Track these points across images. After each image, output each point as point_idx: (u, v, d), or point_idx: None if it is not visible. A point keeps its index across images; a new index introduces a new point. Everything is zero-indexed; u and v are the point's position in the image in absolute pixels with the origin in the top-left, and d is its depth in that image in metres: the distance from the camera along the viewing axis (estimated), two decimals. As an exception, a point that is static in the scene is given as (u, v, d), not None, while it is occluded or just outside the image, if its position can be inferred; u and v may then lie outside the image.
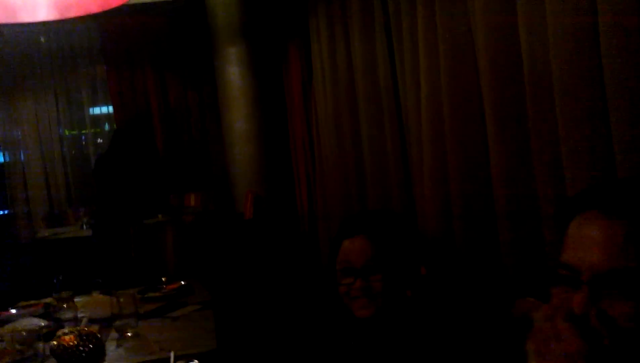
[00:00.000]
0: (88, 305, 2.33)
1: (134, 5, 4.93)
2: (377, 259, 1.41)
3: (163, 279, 2.63)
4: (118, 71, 5.43)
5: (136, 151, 3.61)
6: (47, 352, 1.83)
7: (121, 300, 2.07)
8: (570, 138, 1.50)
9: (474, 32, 2.03)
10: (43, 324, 2.07)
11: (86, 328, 1.95)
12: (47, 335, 1.95)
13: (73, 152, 5.73)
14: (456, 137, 2.19)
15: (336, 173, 3.74)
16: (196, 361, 1.68)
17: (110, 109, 5.60)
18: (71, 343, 1.82)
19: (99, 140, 5.79)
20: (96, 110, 5.77)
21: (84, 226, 4.54)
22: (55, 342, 1.84)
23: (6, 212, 5.40)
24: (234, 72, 5.02)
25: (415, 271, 1.46)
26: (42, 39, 5.33)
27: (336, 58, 3.57)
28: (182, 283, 2.58)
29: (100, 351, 1.87)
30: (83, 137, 5.80)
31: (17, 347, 1.83)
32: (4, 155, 5.38)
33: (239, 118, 5.05)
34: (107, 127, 5.81)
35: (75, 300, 2.31)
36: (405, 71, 2.66)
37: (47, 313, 2.30)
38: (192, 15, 5.27)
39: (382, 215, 1.62)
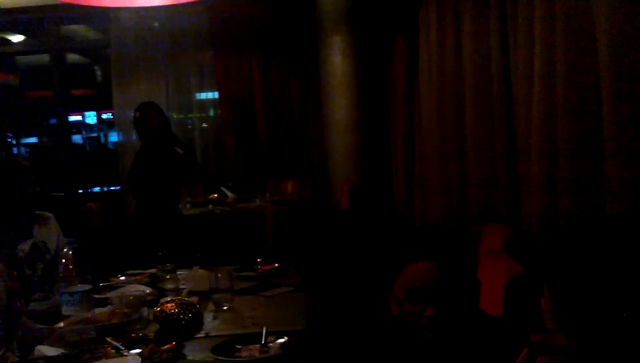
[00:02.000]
0: (189, 278, 2.44)
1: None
2: (445, 285, 1.29)
3: (258, 260, 2.69)
4: (225, 56, 5.60)
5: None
6: (151, 317, 1.92)
7: (219, 275, 2.14)
8: None
9: (595, 25, 1.89)
10: (148, 291, 2.18)
11: (186, 299, 2.03)
12: (152, 302, 2.04)
13: (180, 135, 5.98)
14: (569, 137, 2.07)
15: (437, 168, 3.65)
16: (286, 338, 1.71)
17: (216, 94, 5.80)
18: (172, 311, 1.90)
19: (204, 125, 6.02)
20: (202, 95, 6.00)
21: (187, 206, 4.74)
22: (158, 309, 1.93)
23: (118, 188, 5.76)
24: (338, 62, 5.01)
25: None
26: (156, 24, 5.59)
27: (445, 49, 3.48)
28: (276, 265, 2.63)
29: (198, 320, 1.94)
30: (190, 121, 6.05)
31: (125, 310, 1.94)
32: (118, 135, 5.73)
33: (340, 108, 5.04)
34: (211, 112, 6.02)
35: (178, 272, 2.42)
36: (519, 63, 2.55)
37: (152, 282, 2.42)
38: (299, 2, 5.33)
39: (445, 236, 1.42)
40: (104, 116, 7.93)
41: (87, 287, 1.92)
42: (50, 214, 2.52)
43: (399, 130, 4.76)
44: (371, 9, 4.89)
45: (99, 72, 7.46)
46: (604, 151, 1.86)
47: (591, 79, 1.93)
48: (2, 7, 5.34)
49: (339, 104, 5.03)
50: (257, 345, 1.70)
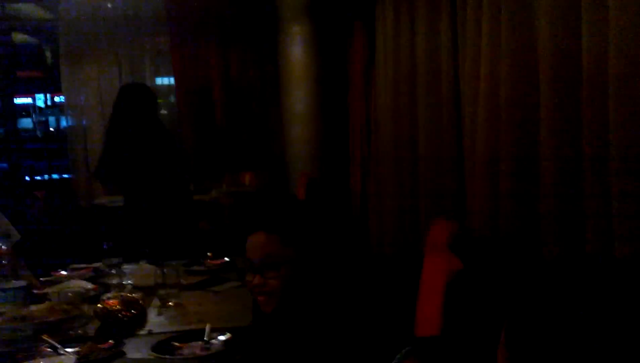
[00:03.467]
0: (135, 273, 2.38)
1: (201, -23, 4.94)
2: (274, 255, 1.36)
3: (209, 254, 2.64)
4: (182, 42, 5.48)
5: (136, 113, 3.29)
6: (91, 314, 1.87)
7: (166, 270, 2.09)
8: (622, 138, 1.46)
9: (537, 26, 1.97)
10: (90, 287, 2.12)
11: (130, 295, 1.97)
12: (93, 297, 1.99)
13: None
14: (511, 130, 2.15)
15: (391, 157, 3.69)
16: (229, 334, 1.69)
17: (172, 80, 5.67)
18: (114, 307, 1.86)
19: (162, 111, 5.88)
20: (158, 80, 5.85)
21: (141, 195, 4.62)
22: (99, 305, 1.88)
23: (68, 176, 5.57)
24: (297, 51, 4.96)
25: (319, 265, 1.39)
26: (109, 5, 5.40)
27: (400, 42, 3.51)
28: (226, 259, 2.59)
29: (142, 317, 1.90)
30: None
31: (64, 306, 1.87)
32: (66, 120, 5.53)
33: (299, 98, 5.01)
34: (172, 98, 5.88)
35: (123, 267, 2.36)
36: (467, 60, 2.61)
37: (95, 277, 2.36)
38: (258, -10, 5.25)
39: (284, 207, 1.52)
40: (57, 100, 7.67)
41: (22, 283, 1.84)
42: None
43: (356, 121, 4.76)
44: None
45: (48, 54, 7.19)
46: (539, 154, 1.93)
47: (532, 80, 1.99)
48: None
49: (298, 94, 5.00)
50: (200, 342, 1.67)
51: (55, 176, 6.07)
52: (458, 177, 2.81)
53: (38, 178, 6.05)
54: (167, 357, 1.60)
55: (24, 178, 5.66)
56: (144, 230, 3.13)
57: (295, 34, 4.94)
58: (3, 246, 1.84)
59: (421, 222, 3.18)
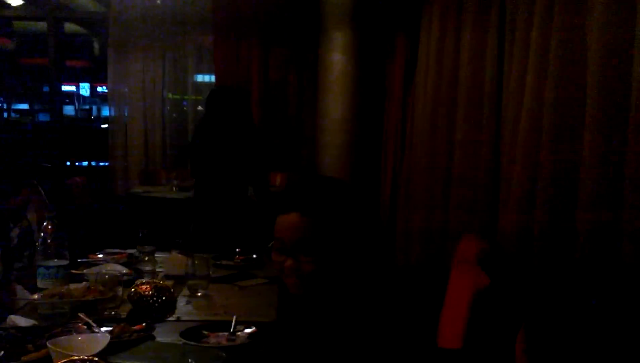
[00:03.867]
0: (167, 262, 2.45)
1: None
2: (310, 239, 1.27)
3: (237, 249, 2.70)
4: (224, 41, 5.58)
5: (233, 114, 3.47)
6: (125, 297, 1.94)
7: (196, 262, 2.16)
8: None
9: (588, 45, 1.94)
10: (124, 271, 2.19)
11: (161, 282, 2.04)
12: (127, 282, 2.06)
13: (174, 115, 5.97)
14: (552, 153, 2.12)
15: (424, 169, 3.70)
16: (254, 328, 1.74)
17: (213, 78, 5.78)
18: (146, 293, 1.92)
19: (199, 107, 6.00)
20: (199, 77, 5.98)
21: (174, 188, 4.74)
22: (133, 289, 1.95)
23: (106, 164, 5.74)
24: (337, 58, 4.99)
25: (357, 254, 1.31)
26: (159, 1, 5.55)
27: (443, 54, 3.51)
28: (254, 256, 2.65)
29: (172, 304, 1.96)
30: (185, 102, 6.02)
31: (100, 288, 1.95)
32: (109, 109, 5.69)
33: (335, 104, 5.04)
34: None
35: (156, 255, 2.43)
36: (512, 76, 2.59)
37: (129, 262, 2.43)
38: (304, -7, 5.31)
39: (326, 189, 1.36)
40: (99, 90, 7.89)
41: (63, 262, 1.93)
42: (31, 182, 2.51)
43: (391, 131, 4.78)
44: (374, 7, 4.89)
45: (96, 45, 7.40)
46: (579, 178, 1.91)
47: (577, 104, 1.97)
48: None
49: (335, 101, 5.03)
50: (225, 333, 1.72)
51: (94, 163, 6.25)
52: (492, 195, 2.79)
53: (77, 163, 6.22)
54: (194, 343, 1.66)
55: (65, 163, 5.85)
56: (215, 221, 3.29)
57: (336, 41, 4.98)
58: (49, 225, 1.93)
59: (449, 237, 3.17)
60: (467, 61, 3.16)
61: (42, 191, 2.54)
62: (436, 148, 3.52)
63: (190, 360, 1.54)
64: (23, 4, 6.01)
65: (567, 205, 2.00)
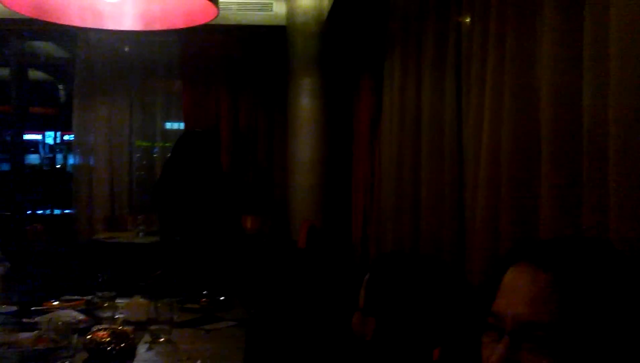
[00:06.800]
0: (128, 307, 2.35)
1: (215, 26, 5.06)
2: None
3: (204, 292, 2.61)
4: (193, 88, 5.59)
5: (201, 156, 3.43)
6: (80, 345, 1.83)
7: (159, 305, 2.07)
8: (622, 205, 1.45)
9: (539, 86, 2.03)
10: (81, 318, 2.09)
11: (120, 328, 1.94)
12: (83, 329, 1.96)
13: (144, 162, 5.89)
14: (511, 187, 2.16)
15: (393, 207, 3.70)
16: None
17: (182, 125, 5.75)
18: (104, 340, 1.83)
19: (169, 154, 5.93)
20: (168, 125, 5.94)
21: (140, 234, 4.63)
22: (88, 337, 1.85)
23: (70, 211, 5.59)
24: (306, 103, 5.07)
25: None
26: (126, 48, 5.55)
27: (405, 97, 3.57)
28: (222, 298, 2.56)
29: (131, 351, 1.87)
30: (156, 149, 5.96)
31: (52, 336, 1.84)
32: (74, 158, 5.57)
33: (304, 147, 5.08)
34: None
35: (117, 301, 2.34)
36: (470, 117, 2.65)
37: (87, 309, 2.34)
38: (271, 41, 5.39)
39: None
40: (67, 138, 7.77)
41: (12, 309, 1.82)
42: None
43: (360, 171, 4.80)
44: (340, 52, 4.99)
45: (62, 92, 7.33)
46: (539, 214, 1.93)
47: (533, 139, 2.01)
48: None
49: (304, 144, 5.06)
50: (187, 380, 1.63)
51: (57, 211, 6.08)
52: (458, 230, 2.81)
53: (39, 212, 6.05)
54: (153, 392, 1.57)
55: (26, 211, 5.68)
56: (182, 264, 3.21)
57: (304, 85, 5.06)
58: (-3, 271, 1.83)
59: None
60: (428, 102, 3.23)
61: None
62: (403, 186, 3.54)
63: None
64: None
65: (529, 234, 2.00)
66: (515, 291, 0.80)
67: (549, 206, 1.88)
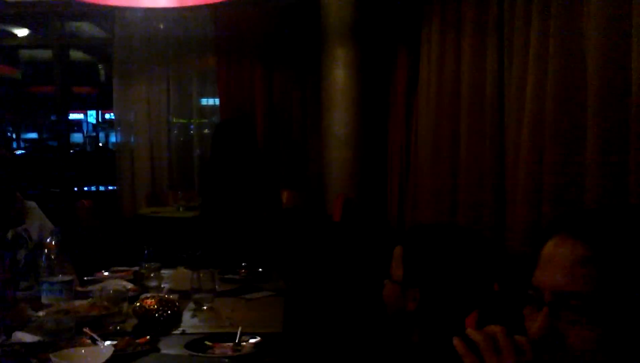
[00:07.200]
0: (172, 277, 2.45)
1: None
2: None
3: (243, 264, 2.70)
4: (227, 63, 5.63)
5: (239, 144, 3.56)
6: (130, 312, 1.94)
7: (201, 276, 2.16)
8: None
9: (585, 52, 1.96)
10: (130, 287, 2.20)
11: (166, 296, 2.04)
12: (133, 297, 2.06)
13: (181, 139, 6.00)
14: (555, 158, 2.13)
15: (430, 181, 3.69)
16: (259, 338, 1.73)
17: (217, 101, 5.83)
18: (152, 307, 1.92)
19: (205, 130, 6.03)
20: (203, 101, 6.02)
21: (180, 209, 4.76)
22: (138, 304, 1.95)
23: (114, 188, 5.79)
24: (340, 74, 5.03)
25: None
26: (161, 26, 5.62)
27: (444, 67, 3.53)
28: (260, 270, 2.65)
29: (177, 317, 1.95)
30: (191, 126, 6.06)
31: (105, 303, 1.95)
32: (116, 136, 5.73)
33: (339, 120, 5.06)
34: (213, 119, 6.03)
35: (162, 272, 2.44)
36: (512, 85, 2.60)
37: (135, 279, 2.43)
38: (305, 12, 5.37)
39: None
40: (107, 116, 7.97)
41: (68, 278, 1.93)
42: (32, 203, 2.52)
43: (395, 144, 4.79)
44: (375, 23, 4.93)
45: (102, 71, 7.50)
46: (584, 179, 1.91)
47: (578, 105, 1.98)
48: (8, 0, 5.38)
49: (339, 117, 5.05)
50: (231, 344, 1.71)
51: (102, 187, 6.29)
52: (498, 204, 2.78)
53: (86, 188, 6.27)
54: (199, 354, 1.65)
55: (73, 188, 5.90)
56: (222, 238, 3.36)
57: (338, 57, 5.02)
58: (52, 242, 1.94)
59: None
60: (467, 71, 3.17)
61: (42, 213, 2.54)
62: (440, 159, 3.52)
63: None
64: (29, 33, 6.11)
65: (573, 203, 1.99)
66: (553, 261, 0.81)
67: (594, 174, 1.86)
